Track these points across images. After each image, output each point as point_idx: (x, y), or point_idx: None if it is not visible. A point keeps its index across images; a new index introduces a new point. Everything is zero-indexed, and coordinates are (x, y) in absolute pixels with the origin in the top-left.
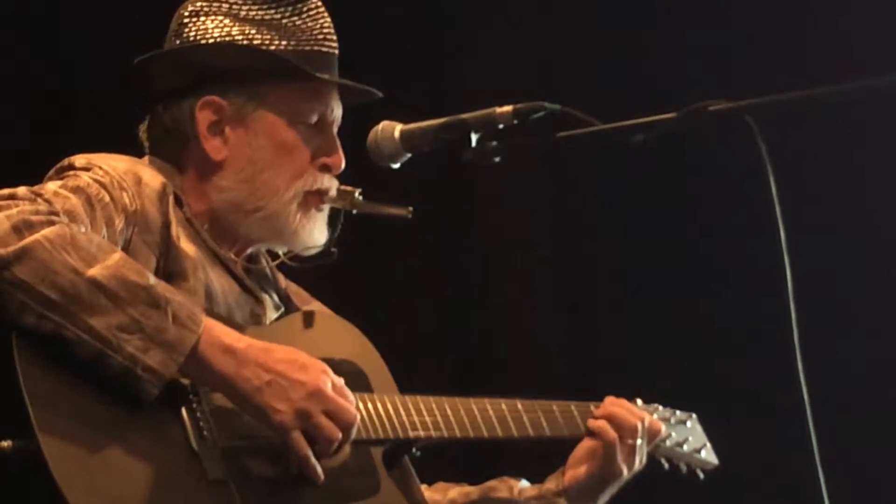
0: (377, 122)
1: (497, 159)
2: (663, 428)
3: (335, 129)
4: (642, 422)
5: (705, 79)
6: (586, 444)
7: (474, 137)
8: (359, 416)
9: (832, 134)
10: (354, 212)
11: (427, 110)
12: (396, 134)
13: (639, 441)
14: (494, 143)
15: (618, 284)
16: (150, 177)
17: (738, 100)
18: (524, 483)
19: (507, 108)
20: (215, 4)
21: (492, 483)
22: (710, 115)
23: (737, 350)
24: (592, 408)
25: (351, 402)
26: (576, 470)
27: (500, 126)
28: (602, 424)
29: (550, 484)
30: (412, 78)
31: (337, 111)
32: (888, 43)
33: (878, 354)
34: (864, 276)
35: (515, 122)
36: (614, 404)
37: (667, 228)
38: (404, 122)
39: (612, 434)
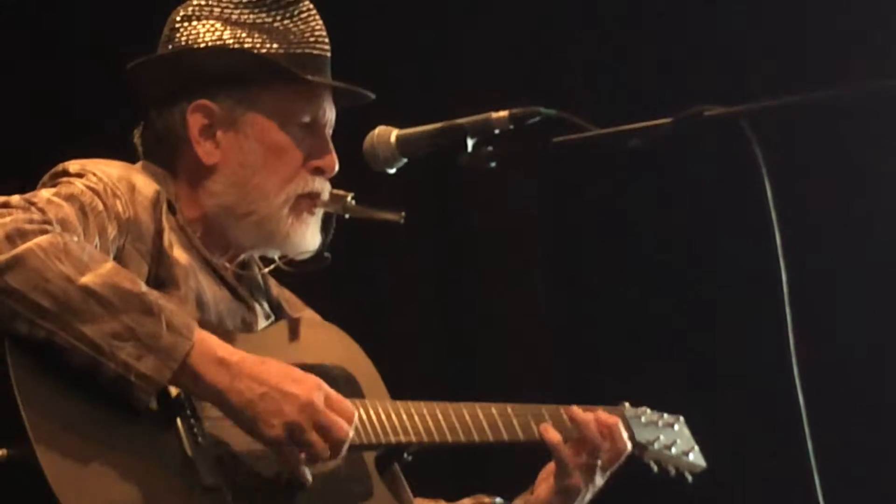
0: (373, 127)
1: (493, 164)
2: (629, 446)
3: (328, 132)
4: (603, 437)
5: (701, 83)
6: (551, 464)
7: (470, 142)
8: (352, 432)
9: (828, 138)
10: (347, 216)
11: (423, 115)
12: (392, 139)
13: (598, 462)
14: (490, 148)
15: (615, 286)
16: (144, 184)
17: (733, 105)
18: (498, 501)
19: (504, 114)
20: (206, 9)
21: (466, 501)
22: (706, 120)
23: (734, 350)
24: (562, 411)
25: (348, 413)
26: (539, 489)
27: (497, 131)
28: (553, 436)
29: (519, 502)
30: (408, 82)
31: (330, 114)
32: (886, 46)
33: (874, 354)
34: (859, 278)
35: (511, 127)
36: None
37: (664, 231)
38: (400, 126)
39: (565, 450)
